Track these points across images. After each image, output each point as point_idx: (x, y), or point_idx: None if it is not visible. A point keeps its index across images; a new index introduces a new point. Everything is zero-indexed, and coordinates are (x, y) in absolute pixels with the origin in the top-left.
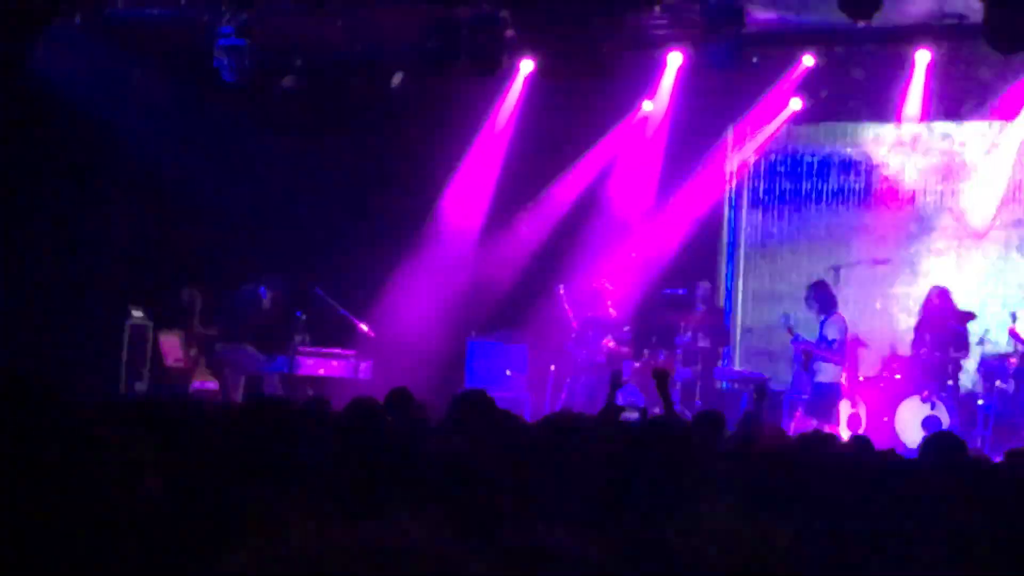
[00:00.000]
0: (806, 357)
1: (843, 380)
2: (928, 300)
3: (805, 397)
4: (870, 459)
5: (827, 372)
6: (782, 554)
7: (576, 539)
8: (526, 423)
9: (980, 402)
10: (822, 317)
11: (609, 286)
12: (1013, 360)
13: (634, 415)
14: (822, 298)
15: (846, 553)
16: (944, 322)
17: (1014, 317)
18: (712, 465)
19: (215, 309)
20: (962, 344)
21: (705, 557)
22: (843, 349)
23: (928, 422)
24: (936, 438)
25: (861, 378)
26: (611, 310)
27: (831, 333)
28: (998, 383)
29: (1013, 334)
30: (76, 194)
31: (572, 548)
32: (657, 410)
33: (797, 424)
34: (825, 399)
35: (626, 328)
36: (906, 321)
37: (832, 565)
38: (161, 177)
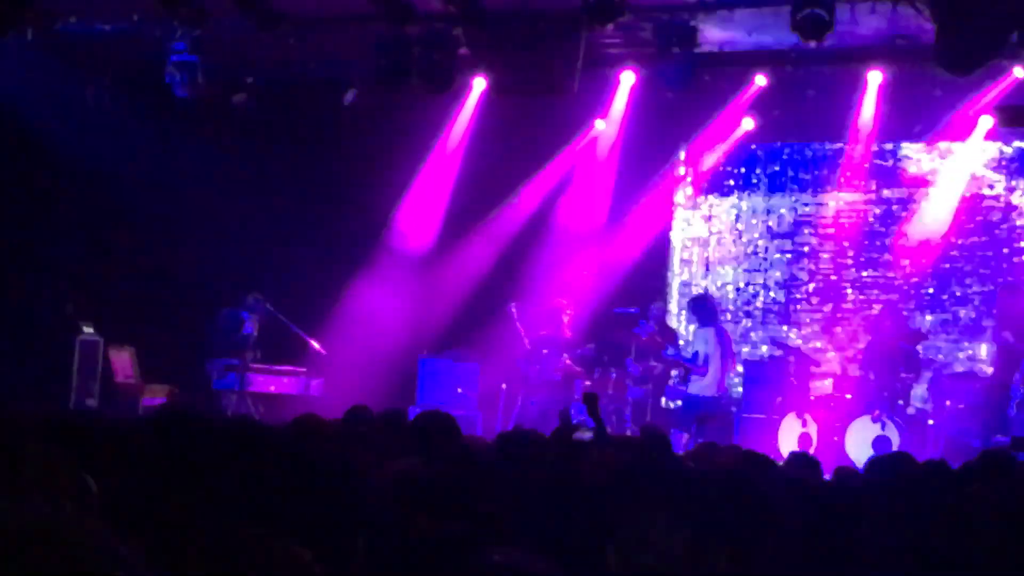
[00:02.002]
0: (685, 371)
1: (712, 393)
2: (878, 320)
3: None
4: (814, 478)
5: (693, 384)
6: (724, 573)
7: (536, 561)
8: (482, 442)
9: (930, 422)
10: (695, 329)
11: (566, 305)
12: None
13: (587, 435)
14: (698, 311)
15: (789, 571)
16: (895, 342)
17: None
18: (657, 483)
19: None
20: (913, 364)
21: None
22: (708, 361)
23: (878, 442)
24: (884, 459)
25: (812, 398)
26: (566, 329)
27: (696, 345)
28: (947, 403)
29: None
30: (28, 210)
31: (534, 570)
32: (608, 429)
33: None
34: (688, 411)
35: (590, 346)
36: (857, 341)
37: None
38: (112, 193)
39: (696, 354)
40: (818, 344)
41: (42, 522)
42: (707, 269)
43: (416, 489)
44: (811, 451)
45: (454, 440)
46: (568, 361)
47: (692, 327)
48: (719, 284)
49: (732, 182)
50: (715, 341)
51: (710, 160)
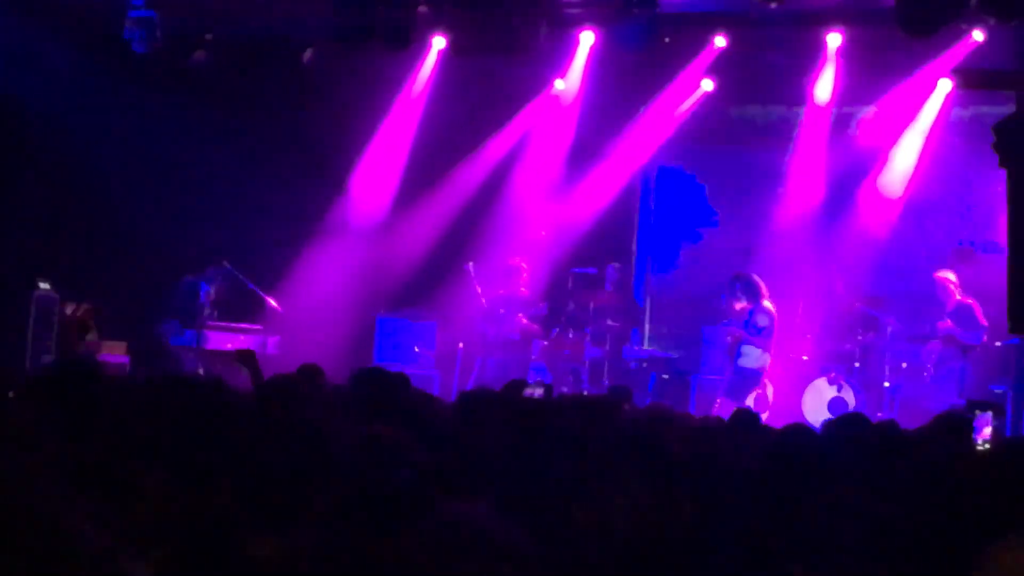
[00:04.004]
0: (733, 340)
1: (766, 366)
2: (835, 282)
3: (723, 379)
4: (777, 435)
5: (750, 357)
6: (686, 528)
7: (499, 519)
8: (437, 400)
9: (886, 384)
10: (751, 305)
11: (523, 264)
12: (935, 346)
13: (538, 391)
14: (748, 287)
15: (751, 527)
16: (851, 304)
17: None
18: (619, 441)
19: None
20: (869, 327)
21: (611, 530)
22: (770, 336)
23: (834, 404)
24: (840, 420)
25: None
26: (523, 288)
27: (760, 320)
28: (903, 365)
29: (942, 327)
30: None
31: (497, 528)
32: (565, 388)
33: (720, 408)
34: (745, 382)
35: (542, 305)
36: (814, 304)
37: (738, 539)
38: (69, 149)
39: (762, 328)
40: (775, 306)
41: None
42: (666, 232)
43: (379, 450)
44: (767, 413)
45: (404, 399)
46: (525, 321)
47: (742, 304)
48: (677, 248)
49: (690, 143)
50: (772, 315)
51: (670, 121)
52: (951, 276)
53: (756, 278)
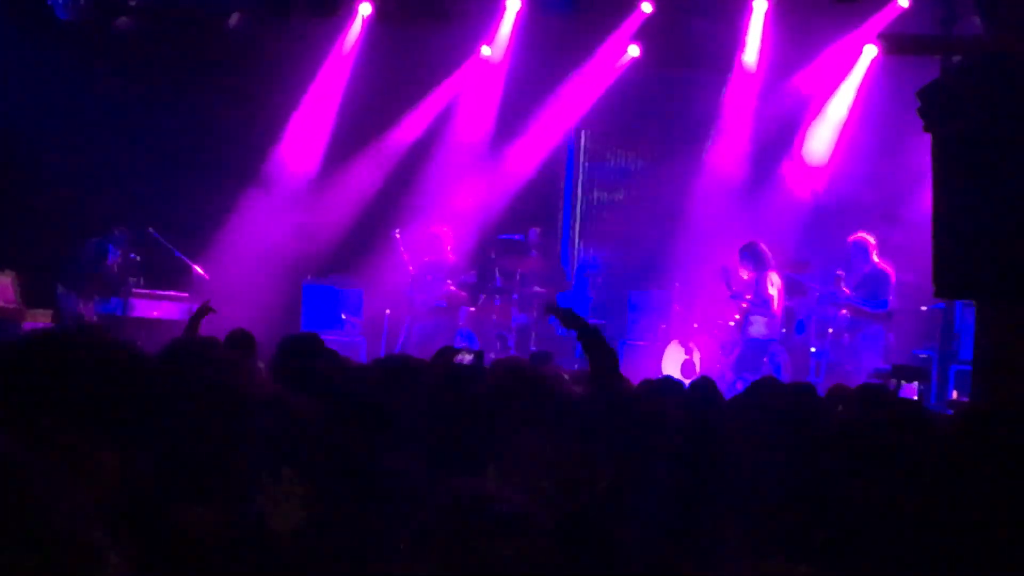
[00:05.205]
0: (742, 311)
1: (775, 336)
2: (760, 247)
3: (736, 351)
4: (704, 401)
5: (758, 326)
6: (606, 488)
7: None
8: (361, 366)
9: (812, 350)
10: (758, 274)
11: (446, 231)
12: (844, 312)
13: (468, 357)
14: (757, 256)
15: (673, 487)
16: (778, 270)
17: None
18: (541, 405)
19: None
20: (795, 291)
21: (530, 489)
22: (779, 305)
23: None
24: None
25: (695, 325)
26: (450, 255)
27: (768, 290)
28: (830, 331)
29: (841, 295)
30: None
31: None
32: (492, 355)
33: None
34: (755, 353)
35: (471, 272)
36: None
37: (659, 500)
38: None
39: (771, 297)
40: (703, 271)
41: None
42: (592, 197)
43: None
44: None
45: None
46: (452, 288)
47: (749, 273)
48: (604, 213)
49: (617, 109)
50: (780, 284)
51: (596, 87)
52: (869, 238)
53: (764, 247)
